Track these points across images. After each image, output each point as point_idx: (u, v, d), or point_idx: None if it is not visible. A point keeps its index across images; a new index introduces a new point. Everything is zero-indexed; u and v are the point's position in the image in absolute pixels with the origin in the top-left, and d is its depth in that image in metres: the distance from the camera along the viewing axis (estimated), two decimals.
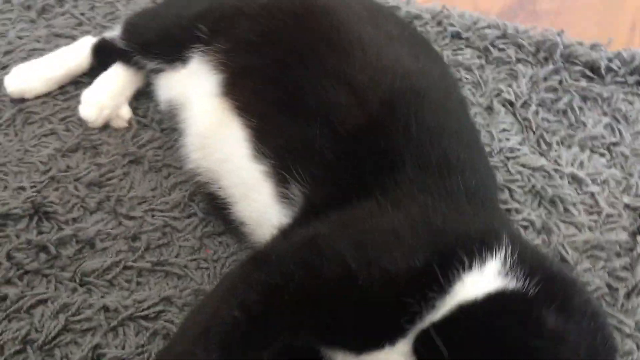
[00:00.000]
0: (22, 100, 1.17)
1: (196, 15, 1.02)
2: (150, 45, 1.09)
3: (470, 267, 0.65)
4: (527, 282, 0.64)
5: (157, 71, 1.09)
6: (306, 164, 0.83)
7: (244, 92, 0.92)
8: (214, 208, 0.98)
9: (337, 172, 0.82)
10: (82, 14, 1.39)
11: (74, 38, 1.29)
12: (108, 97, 1.13)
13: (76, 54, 1.20)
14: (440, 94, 0.90)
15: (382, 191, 0.77)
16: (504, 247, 0.67)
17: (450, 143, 0.83)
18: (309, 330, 0.69)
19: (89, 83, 1.17)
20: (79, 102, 1.14)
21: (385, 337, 0.66)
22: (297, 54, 0.89)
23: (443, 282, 0.64)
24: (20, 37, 1.32)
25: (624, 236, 0.98)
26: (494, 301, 0.64)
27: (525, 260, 0.67)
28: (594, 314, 0.66)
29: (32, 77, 1.17)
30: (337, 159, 0.81)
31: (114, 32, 1.16)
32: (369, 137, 0.81)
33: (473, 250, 0.66)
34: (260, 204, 0.88)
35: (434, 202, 0.75)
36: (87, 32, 1.32)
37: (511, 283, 0.65)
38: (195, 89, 1.00)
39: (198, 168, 0.99)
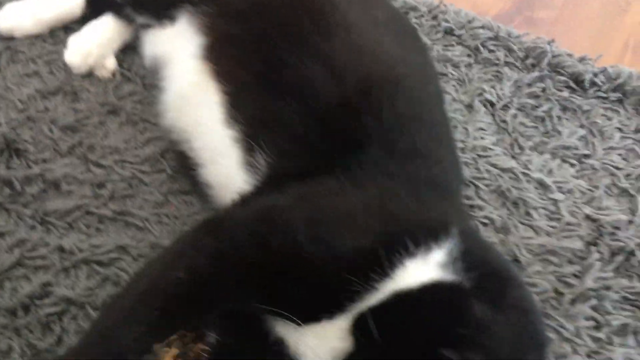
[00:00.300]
0: (11, 38, 1.18)
1: None
2: (142, 0, 1.09)
3: (414, 255, 0.67)
4: (464, 275, 0.66)
5: (146, 26, 1.10)
6: (275, 135, 0.84)
7: (225, 58, 0.93)
8: (183, 167, 0.99)
9: (304, 147, 0.83)
10: None
11: None
12: (95, 45, 1.14)
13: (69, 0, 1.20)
14: (416, 83, 0.91)
15: (344, 170, 0.78)
16: (450, 240, 0.69)
17: (418, 132, 0.84)
18: (253, 298, 0.70)
19: (78, 29, 1.18)
20: (66, 47, 1.15)
21: (325, 312, 0.67)
22: (282, 28, 0.90)
23: (386, 266, 0.66)
24: None
25: (579, 245, 0.99)
26: (428, 291, 0.66)
27: (469, 255, 0.68)
28: (525, 310, 0.67)
29: (23, 16, 1.18)
30: (306, 134, 0.83)
31: None
32: (340, 116, 0.83)
33: (420, 238, 0.68)
34: (227, 168, 0.89)
35: (393, 186, 0.77)
36: None
37: (449, 275, 0.67)
38: (179, 49, 1.00)
39: (173, 126, 1.00)
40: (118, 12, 1.14)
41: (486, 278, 0.67)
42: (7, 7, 1.18)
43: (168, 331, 0.69)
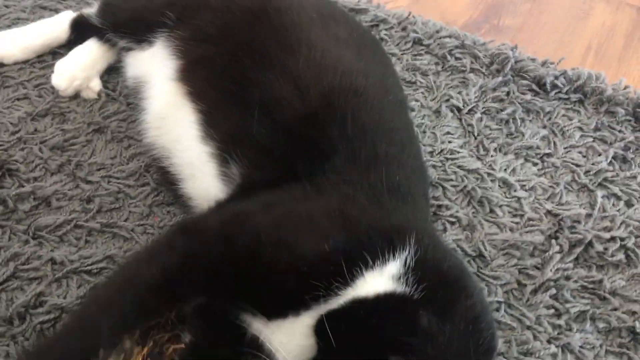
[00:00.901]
0: (1, 65, 1.25)
1: (166, 2, 1.09)
2: (122, 25, 1.16)
3: (372, 266, 0.73)
4: (415, 286, 0.72)
5: (127, 49, 1.17)
6: (245, 148, 0.90)
7: (198, 79, 0.99)
8: (166, 182, 1.06)
9: (273, 158, 0.89)
10: None
11: (57, 11, 1.37)
12: (80, 68, 1.20)
13: (55, 27, 1.27)
14: (378, 93, 0.97)
15: (309, 179, 0.84)
16: (406, 250, 0.75)
17: (380, 140, 0.90)
18: (222, 293, 0.76)
19: (66, 54, 1.24)
20: (53, 71, 1.22)
21: (290, 309, 0.73)
22: (248, 49, 0.97)
23: (347, 276, 0.72)
24: (7, 6, 1.39)
25: (540, 238, 1.05)
26: (381, 301, 0.72)
27: (423, 265, 0.74)
28: (474, 319, 0.72)
29: (12, 44, 1.25)
30: (274, 146, 0.89)
31: (92, 9, 1.23)
32: (305, 128, 0.89)
33: (377, 251, 0.74)
34: (205, 182, 0.95)
35: (355, 194, 0.82)
36: (70, 7, 1.40)
37: (401, 287, 0.72)
38: (156, 71, 1.07)
39: (153, 144, 1.06)
40: (100, 36, 1.21)
41: (437, 289, 0.73)
42: None
43: (140, 323, 0.75)
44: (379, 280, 0.73)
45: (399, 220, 0.82)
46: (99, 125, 1.16)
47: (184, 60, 1.01)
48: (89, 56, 1.22)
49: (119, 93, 1.23)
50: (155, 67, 1.07)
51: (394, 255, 0.74)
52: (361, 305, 0.71)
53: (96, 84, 1.22)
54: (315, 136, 0.88)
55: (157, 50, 1.07)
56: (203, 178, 0.96)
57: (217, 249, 0.75)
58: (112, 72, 1.26)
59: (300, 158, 0.87)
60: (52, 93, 1.21)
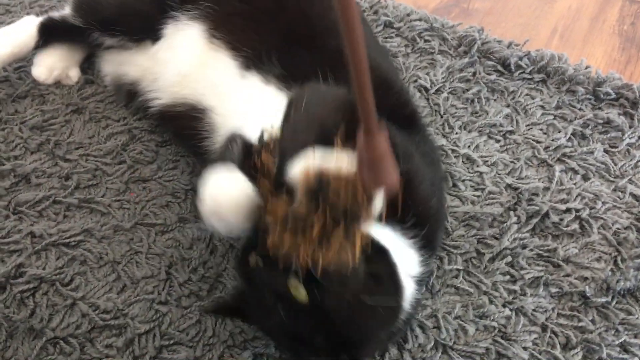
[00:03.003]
0: None
1: None
2: (113, 23, 1.14)
3: None
4: None
5: (117, 47, 1.17)
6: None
7: (233, 31, 1.06)
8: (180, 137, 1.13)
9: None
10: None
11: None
12: (59, 59, 1.24)
13: (22, 33, 1.19)
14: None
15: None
16: None
17: None
18: None
19: None
20: (34, 55, 1.25)
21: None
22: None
23: None
24: None
25: (499, 210, 1.11)
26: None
27: None
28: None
29: None
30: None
31: (63, 11, 1.18)
32: None
33: None
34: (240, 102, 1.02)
35: None
36: (13, 21, 1.28)
37: None
38: (176, 42, 1.11)
39: (174, 98, 1.10)
40: (81, 38, 1.17)
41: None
42: None
43: None
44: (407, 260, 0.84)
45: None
46: (77, 106, 1.20)
47: (212, 21, 1.07)
48: (68, 47, 1.24)
49: (96, 75, 1.26)
50: (176, 40, 1.10)
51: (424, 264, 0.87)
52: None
53: (75, 73, 1.26)
54: None
55: (170, 36, 1.12)
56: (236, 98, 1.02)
57: None
58: (90, 57, 1.30)
59: None
60: (31, 76, 1.25)
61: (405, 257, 0.83)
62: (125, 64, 1.17)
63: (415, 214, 0.83)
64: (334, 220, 0.65)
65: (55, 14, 1.20)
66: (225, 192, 0.73)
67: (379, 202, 0.68)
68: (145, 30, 1.13)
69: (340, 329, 0.73)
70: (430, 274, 0.90)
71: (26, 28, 1.18)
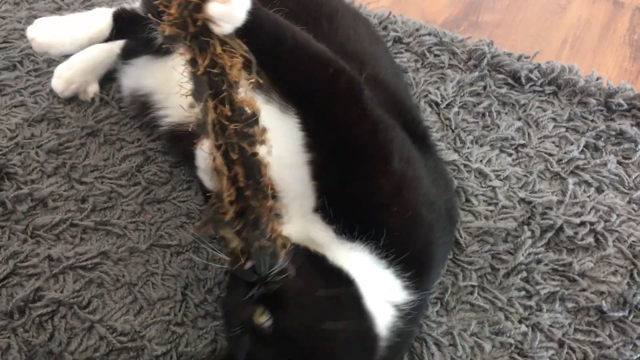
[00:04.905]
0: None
1: None
2: None
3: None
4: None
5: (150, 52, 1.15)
6: None
7: None
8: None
9: None
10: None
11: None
12: (78, 73, 1.25)
13: (99, 20, 1.16)
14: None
15: None
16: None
17: None
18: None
19: (61, 61, 1.29)
20: (49, 78, 1.27)
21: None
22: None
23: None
24: (3, 17, 1.45)
25: (513, 225, 1.11)
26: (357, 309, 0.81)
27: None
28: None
29: (60, 34, 1.13)
30: None
31: (134, 3, 1.17)
32: None
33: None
34: None
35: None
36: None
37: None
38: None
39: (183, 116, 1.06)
40: (141, 30, 1.09)
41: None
42: (39, 22, 1.14)
43: None
44: (388, 289, 0.83)
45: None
46: (92, 129, 1.22)
47: None
48: (89, 61, 1.26)
49: (112, 97, 1.28)
50: None
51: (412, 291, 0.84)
52: (350, 303, 0.79)
53: (93, 88, 1.27)
54: None
55: None
56: None
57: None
58: (105, 77, 1.31)
59: None
60: (47, 100, 1.27)
61: (380, 281, 0.82)
62: (143, 77, 1.18)
63: (396, 230, 0.81)
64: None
65: (127, 5, 1.18)
66: None
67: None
68: None
69: (303, 356, 0.74)
70: (419, 308, 0.87)
71: (102, 16, 1.17)
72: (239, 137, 0.67)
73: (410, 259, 0.82)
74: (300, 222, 0.83)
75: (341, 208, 0.80)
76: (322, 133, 0.80)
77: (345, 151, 0.79)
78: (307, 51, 0.75)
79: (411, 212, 0.81)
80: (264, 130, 0.68)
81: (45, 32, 1.12)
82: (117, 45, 1.25)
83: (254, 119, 0.67)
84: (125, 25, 1.17)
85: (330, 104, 0.77)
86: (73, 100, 1.27)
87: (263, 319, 0.73)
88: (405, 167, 0.81)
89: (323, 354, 0.75)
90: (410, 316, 0.83)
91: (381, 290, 0.81)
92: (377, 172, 0.79)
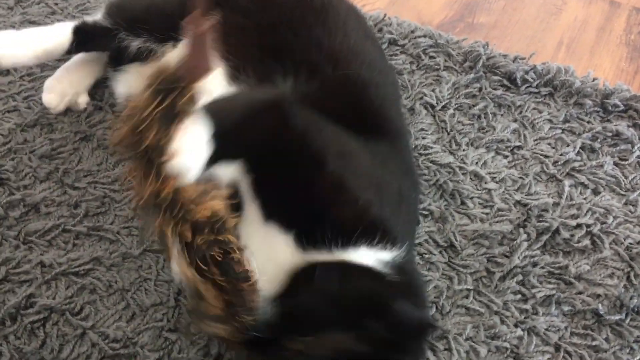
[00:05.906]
0: None
1: None
2: (139, 21, 1.13)
3: (372, 245, 0.81)
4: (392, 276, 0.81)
5: (144, 51, 1.15)
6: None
7: (232, 41, 1.05)
8: None
9: None
10: (56, 4, 1.51)
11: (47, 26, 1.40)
12: (69, 85, 1.24)
13: (57, 33, 1.18)
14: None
15: None
16: (398, 252, 0.83)
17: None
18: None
19: (54, 67, 1.29)
20: (42, 83, 1.27)
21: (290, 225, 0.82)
22: (287, 19, 1.05)
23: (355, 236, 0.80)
24: None
25: (509, 227, 1.10)
26: (365, 270, 0.80)
27: (402, 270, 0.82)
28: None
29: (14, 45, 1.16)
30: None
31: (96, 17, 1.19)
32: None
33: (387, 235, 0.82)
34: None
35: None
36: (59, 21, 1.44)
37: (382, 269, 0.80)
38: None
39: None
40: (109, 39, 1.16)
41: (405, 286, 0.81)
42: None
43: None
44: (369, 255, 0.81)
45: (402, 228, 0.89)
46: (85, 134, 1.21)
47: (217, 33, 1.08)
48: (77, 72, 1.26)
49: (105, 102, 1.28)
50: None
51: (390, 249, 0.82)
52: (350, 268, 0.78)
53: (84, 99, 1.27)
54: None
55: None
56: None
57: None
58: (97, 83, 1.31)
59: None
60: (40, 104, 1.26)
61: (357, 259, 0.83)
62: (135, 82, 1.18)
63: (351, 222, 0.82)
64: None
65: (89, 19, 1.20)
66: None
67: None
68: (169, 29, 1.10)
69: None
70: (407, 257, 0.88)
71: (61, 29, 1.19)
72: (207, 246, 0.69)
73: (373, 231, 0.83)
74: (265, 252, 0.83)
75: (296, 221, 0.82)
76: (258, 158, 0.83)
77: (281, 169, 0.81)
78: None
79: (361, 201, 0.82)
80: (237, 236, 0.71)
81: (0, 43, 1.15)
82: (105, 54, 1.25)
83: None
84: (87, 38, 1.19)
85: (259, 134, 0.80)
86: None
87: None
88: (342, 163, 0.83)
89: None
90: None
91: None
92: (315, 177, 0.81)
